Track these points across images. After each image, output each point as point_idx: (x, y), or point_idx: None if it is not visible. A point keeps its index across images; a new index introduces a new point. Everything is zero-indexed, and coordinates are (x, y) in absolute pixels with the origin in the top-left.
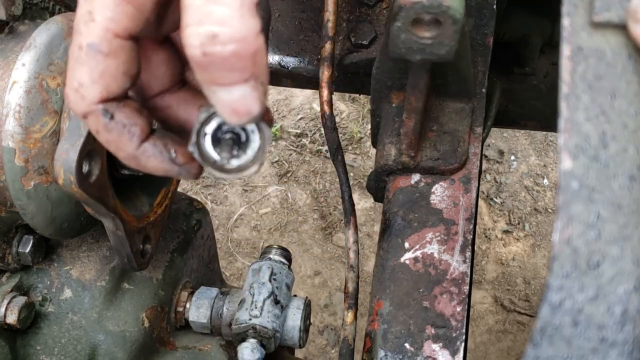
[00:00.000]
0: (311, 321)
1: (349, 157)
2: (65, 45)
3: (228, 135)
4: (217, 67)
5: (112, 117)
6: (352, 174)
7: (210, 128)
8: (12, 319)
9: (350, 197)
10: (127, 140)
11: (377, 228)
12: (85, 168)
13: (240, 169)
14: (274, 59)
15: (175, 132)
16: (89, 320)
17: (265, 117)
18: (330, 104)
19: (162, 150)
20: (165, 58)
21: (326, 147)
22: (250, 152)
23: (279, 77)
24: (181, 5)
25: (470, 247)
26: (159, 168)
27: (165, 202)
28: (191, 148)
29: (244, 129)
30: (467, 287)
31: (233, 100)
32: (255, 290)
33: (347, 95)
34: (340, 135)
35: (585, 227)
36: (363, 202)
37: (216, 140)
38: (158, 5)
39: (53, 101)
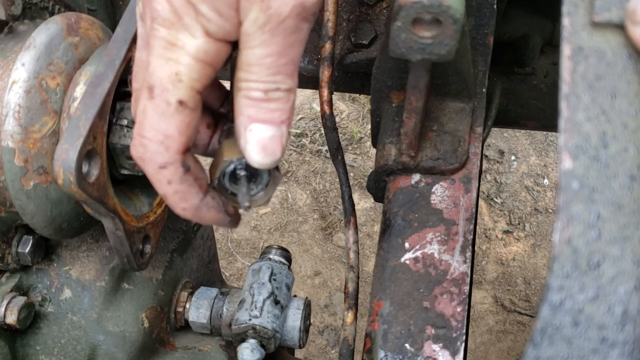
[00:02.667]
0: (311, 321)
1: (349, 157)
2: (64, 45)
3: (243, 173)
4: (268, 104)
5: (188, 170)
6: (352, 174)
7: (229, 170)
8: (11, 319)
9: (350, 197)
10: (194, 193)
11: (377, 228)
12: (84, 168)
13: (253, 200)
14: None
15: None
16: (89, 321)
17: (278, 167)
18: (330, 104)
19: (219, 203)
20: None
21: (326, 147)
22: (261, 186)
23: None
24: (242, 61)
25: (470, 248)
26: (215, 218)
27: (165, 201)
28: (214, 186)
29: (257, 172)
30: (467, 288)
31: (265, 138)
32: (255, 290)
33: (347, 95)
34: (340, 135)
35: (585, 227)
36: (363, 202)
37: (234, 180)
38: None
39: (52, 101)
